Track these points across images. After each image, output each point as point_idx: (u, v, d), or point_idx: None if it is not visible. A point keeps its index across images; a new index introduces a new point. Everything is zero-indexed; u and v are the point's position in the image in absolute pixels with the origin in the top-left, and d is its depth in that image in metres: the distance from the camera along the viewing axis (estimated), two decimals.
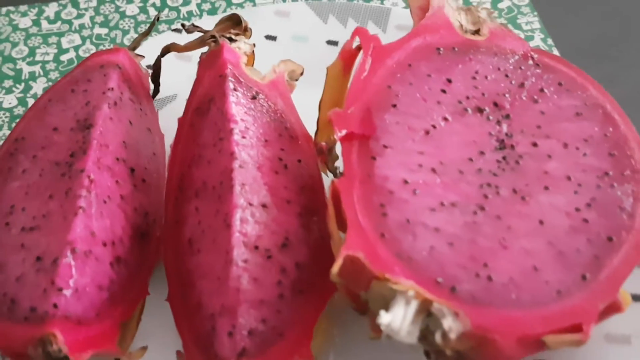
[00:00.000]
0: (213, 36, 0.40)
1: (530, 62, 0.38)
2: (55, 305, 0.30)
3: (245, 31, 0.41)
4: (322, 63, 0.47)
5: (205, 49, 0.42)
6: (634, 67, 0.51)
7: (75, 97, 0.38)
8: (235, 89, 0.38)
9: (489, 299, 0.28)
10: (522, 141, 0.34)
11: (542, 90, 0.36)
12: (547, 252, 0.29)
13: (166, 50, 0.42)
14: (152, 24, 0.43)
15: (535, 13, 0.55)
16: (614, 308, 0.30)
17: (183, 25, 0.40)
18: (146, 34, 0.43)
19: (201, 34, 0.42)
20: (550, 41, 0.53)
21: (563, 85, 0.37)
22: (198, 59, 0.48)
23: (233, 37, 0.40)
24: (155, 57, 0.44)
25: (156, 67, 0.43)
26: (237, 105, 0.37)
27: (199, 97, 0.40)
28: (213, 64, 0.39)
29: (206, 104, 0.39)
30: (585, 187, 0.32)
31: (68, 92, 0.39)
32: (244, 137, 0.36)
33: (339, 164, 0.41)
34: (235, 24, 0.41)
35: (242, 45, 0.40)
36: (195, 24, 0.49)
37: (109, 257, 0.33)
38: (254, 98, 0.38)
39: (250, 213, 0.34)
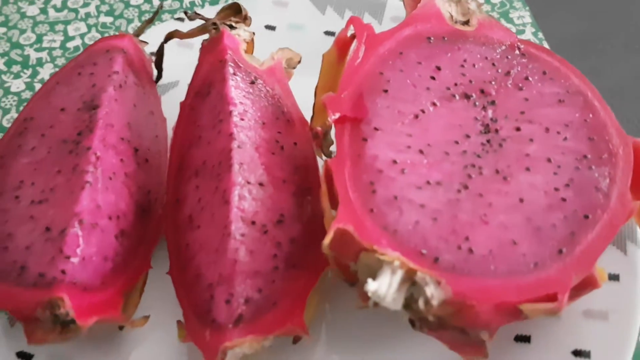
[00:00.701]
0: (214, 23, 0.42)
1: (517, 51, 0.40)
2: (63, 272, 0.32)
3: (245, 19, 0.43)
4: (320, 53, 0.49)
5: (206, 36, 0.44)
6: (618, 60, 0.53)
7: (82, 79, 0.40)
8: (234, 74, 0.40)
9: (469, 269, 0.30)
10: (505, 125, 0.36)
11: (527, 78, 0.38)
12: (526, 228, 0.31)
13: (169, 36, 0.44)
14: (156, 12, 0.45)
15: (527, 8, 0.57)
16: (590, 283, 0.32)
17: (186, 12, 0.42)
18: (150, 22, 0.45)
19: (203, 21, 0.44)
20: (540, 35, 0.55)
21: (547, 73, 0.39)
22: (198, 46, 0.50)
23: (233, 24, 0.42)
24: (159, 44, 0.46)
25: (159, 53, 0.45)
26: (236, 89, 0.39)
27: (199, 81, 0.41)
28: (213, 49, 0.41)
29: (206, 88, 0.41)
30: (564, 169, 0.34)
31: (75, 75, 0.41)
32: (242, 119, 0.38)
33: (334, 148, 0.43)
34: (235, 12, 0.43)
35: (241, 32, 0.42)
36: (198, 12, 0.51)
37: (113, 230, 0.35)
38: (252, 83, 0.40)
39: (247, 190, 0.36)
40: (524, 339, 0.36)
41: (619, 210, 0.32)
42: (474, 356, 0.31)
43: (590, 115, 0.37)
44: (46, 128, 0.38)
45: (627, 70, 0.52)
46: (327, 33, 0.52)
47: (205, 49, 0.42)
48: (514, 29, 0.55)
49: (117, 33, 0.56)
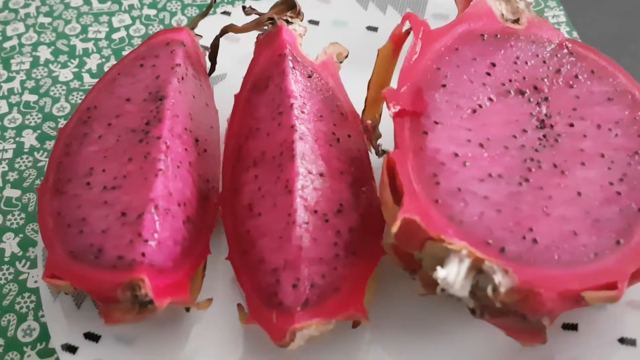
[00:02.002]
0: (271, 18, 0.43)
1: (565, 50, 0.41)
2: (143, 254, 0.33)
3: (299, 14, 0.44)
4: (362, 48, 0.50)
5: (257, 32, 0.45)
6: None
7: (145, 71, 0.41)
8: (293, 68, 0.41)
9: (534, 259, 0.31)
10: (559, 122, 0.37)
11: (576, 76, 0.40)
12: (584, 220, 0.33)
13: (224, 30, 0.45)
14: (210, 6, 0.46)
15: (561, 7, 0.58)
16: None
17: (244, 7, 0.43)
18: (204, 15, 0.46)
19: (257, 16, 0.45)
20: (575, 34, 0.56)
21: (595, 72, 0.40)
22: (245, 41, 0.51)
23: (289, 19, 0.43)
24: (204, 37, 0.47)
25: (214, 46, 0.46)
26: (296, 83, 0.40)
27: (256, 75, 0.43)
28: (271, 44, 0.42)
29: (264, 81, 0.42)
30: (617, 164, 0.35)
31: (137, 67, 0.42)
32: (302, 112, 0.39)
33: (381, 142, 0.45)
34: (289, 7, 0.44)
35: (297, 27, 0.43)
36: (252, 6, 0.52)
37: (181, 215, 0.37)
38: (309, 77, 0.41)
39: (309, 180, 0.37)
40: (571, 327, 0.37)
41: None
42: (533, 342, 0.32)
43: (639, 113, 0.38)
44: (112, 117, 0.39)
45: None
46: (370, 28, 0.53)
47: (261, 43, 0.43)
48: None
49: (160, 26, 0.57)
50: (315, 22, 0.53)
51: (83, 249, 0.34)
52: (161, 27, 0.57)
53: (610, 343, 0.36)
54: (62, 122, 0.51)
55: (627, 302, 0.37)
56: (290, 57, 0.41)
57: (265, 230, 0.37)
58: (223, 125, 0.45)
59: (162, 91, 0.40)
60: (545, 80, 0.39)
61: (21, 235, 0.45)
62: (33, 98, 0.52)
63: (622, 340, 0.36)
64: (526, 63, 0.39)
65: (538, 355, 0.36)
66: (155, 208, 0.35)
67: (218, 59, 0.49)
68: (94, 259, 0.34)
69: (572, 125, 0.37)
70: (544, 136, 0.36)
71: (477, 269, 0.31)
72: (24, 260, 0.44)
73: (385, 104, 0.43)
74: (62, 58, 0.55)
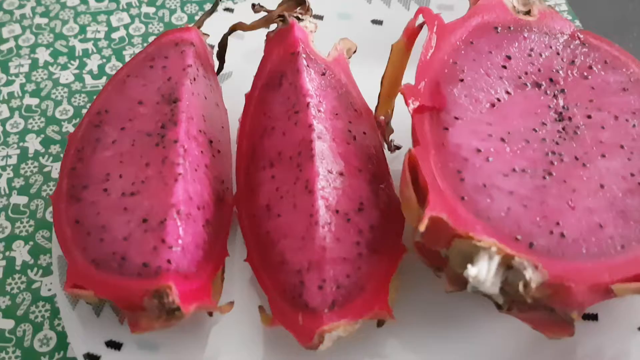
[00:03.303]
0: (281, 15, 0.42)
1: (577, 41, 0.41)
2: (169, 261, 0.33)
3: (308, 10, 0.44)
4: (368, 41, 0.50)
5: (263, 29, 0.45)
6: None
7: (155, 72, 0.40)
8: (308, 65, 0.40)
9: (563, 253, 0.31)
10: (577, 113, 0.37)
11: (590, 67, 0.40)
12: (609, 212, 0.33)
13: (233, 28, 0.44)
14: (216, 4, 0.45)
15: None
16: None
17: (253, 5, 0.43)
18: (210, 13, 0.45)
19: (265, 13, 0.44)
20: (578, 22, 0.56)
21: (608, 62, 0.40)
22: (249, 38, 0.50)
23: (300, 16, 0.42)
24: (213, 34, 0.46)
25: (222, 45, 0.45)
26: (311, 81, 0.40)
27: (268, 73, 0.42)
28: (283, 41, 0.42)
29: (277, 79, 0.41)
30: (637, 154, 0.35)
31: (147, 68, 0.41)
32: (319, 111, 0.39)
33: (393, 137, 0.44)
34: (298, 3, 0.44)
35: (307, 24, 0.43)
36: (247, 5, 0.51)
37: (201, 219, 0.36)
38: (323, 74, 0.41)
39: (330, 180, 0.37)
40: (591, 317, 0.37)
41: None
42: (561, 335, 0.33)
43: None
44: (125, 121, 0.38)
45: None
46: (375, 22, 0.53)
47: (272, 41, 0.43)
48: None
49: (160, 24, 0.56)
50: (320, 17, 0.53)
51: (105, 257, 0.34)
52: (161, 24, 0.56)
53: (630, 331, 0.36)
54: (65, 126, 0.50)
55: None
56: (304, 55, 0.41)
57: (286, 231, 0.37)
58: (232, 125, 0.45)
59: (175, 93, 0.39)
60: (560, 71, 0.39)
61: (31, 243, 0.44)
62: (34, 102, 0.51)
63: None
64: (540, 55, 0.39)
65: (560, 347, 0.36)
66: (177, 213, 0.34)
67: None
68: (118, 267, 0.33)
69: (589, 116, 0.37)
70: (563, 129, 0.36)
71: (506, 265, 0.31)
72: (35, 269, 0.43)
73: (397, 99, 0.42)
74: (62, 59, 0.54)
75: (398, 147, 0.45)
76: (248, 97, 0.43)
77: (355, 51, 0.46)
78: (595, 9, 0.58)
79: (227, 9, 0.52)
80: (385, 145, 0.43)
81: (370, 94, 0.43)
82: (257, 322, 0.38)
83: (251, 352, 0.37)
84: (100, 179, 0.36)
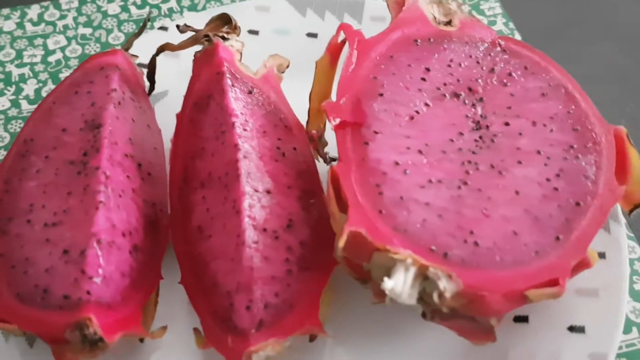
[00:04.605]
0: (207, 35, 0.43)
1: (498, 48, 0.42)
2: (88, 292, 0.33)
3: (235, 29, 0.44)
4: (304, 55, 0.50)
5: (196, 47, 0.45)
6: (589, 45, 0.55)
7: (80, 98, 0.40)
8: (233, 85, 0.41)
9: (477, 262, 0.32)
10: (495, 121, 0.38)
11: (510, 74, 0.40)
12: (524, 219, 0.34)
13: (160, 49, 0.45)
14: (144, 25, 0.45)
15: None
16: (583, 264, 0.34)
17: (178, 26, 0.43)
18: (138, 34, 0.45)
19: (193, 33, 0.44)
20: (511, 25, 0.57)
21: (528, 68, 0.41)
22: (185, 56, 0.50)
23: (225, 35, 0.43)
24: (142, 54, 0.46)
25: (151, 66, 0.45)
26: (236, 100, 0.40)
27: (197, 93, 0.42)
28: (209, 62, 0.42)
29: (205, 100, 0.41)
30: (554, 160, 0.36)
31: (72, 94, 0.41)
32: (245, 130, 0.39)
33: (328, 149, 0.45)
34: (225, 22, 0.44)
35: (234, 43, 0.43)
36: (181, 22, 0.51)
37: (127, 246, 0.36)
38: (250, 92, 0.41)
39: (257, 199, 0.37)
40: (522, 319, 0.38)
41: (607, 195, 0.35)
42: (484, 341, 0.33)
43: (573, 107, 0.39)
44: (49, 150, 0.38)
45: (597, 56, 0.55)
46: (309, 35, 0.53)
47: (199, 60, 0.43)
48: (485, 21, 0.57)
49: (97, 44, 0.56)
50: (255, 32, 0.53)
51: (29, 291, 0.34)
52: (98, 45, 0.56)
53: (560, 332, 0.37)
54: (1, 153, 0.49)
55: (574, 290, 0.38)
56: (228, 75, 0.41)
57: (217, 252, 0.37)
58: (167, 144, 0.45)
59: (98, 119, 0.39)
60: (480, 80, 0.40)
61: None
62: None
63: (572, 329, 0.37)
64: (460, 65, 0.40)
65: (493, 350, 0.37)
66: (97, 242, 0.34)
67: (158, 76, 0.48)
68: (41, 300, 0.33)
69: (507, 124, 0.38)
70: (480, 137, 0.37)
71: (423, 276, 0.31)
72: None
73: None
74: None
75: (334, 159, 0.45)
76: (179, 117, 0.43)
77: (288, 66, 0.46)
78: (531, 11, 0.59)
79: (162, 28, 0.52)
80: (321, 159, 0.44)
81: (307, 107, 0.44)
82: (195, 345, 0.38)
83: None
84: (25, 210, 0.36)
